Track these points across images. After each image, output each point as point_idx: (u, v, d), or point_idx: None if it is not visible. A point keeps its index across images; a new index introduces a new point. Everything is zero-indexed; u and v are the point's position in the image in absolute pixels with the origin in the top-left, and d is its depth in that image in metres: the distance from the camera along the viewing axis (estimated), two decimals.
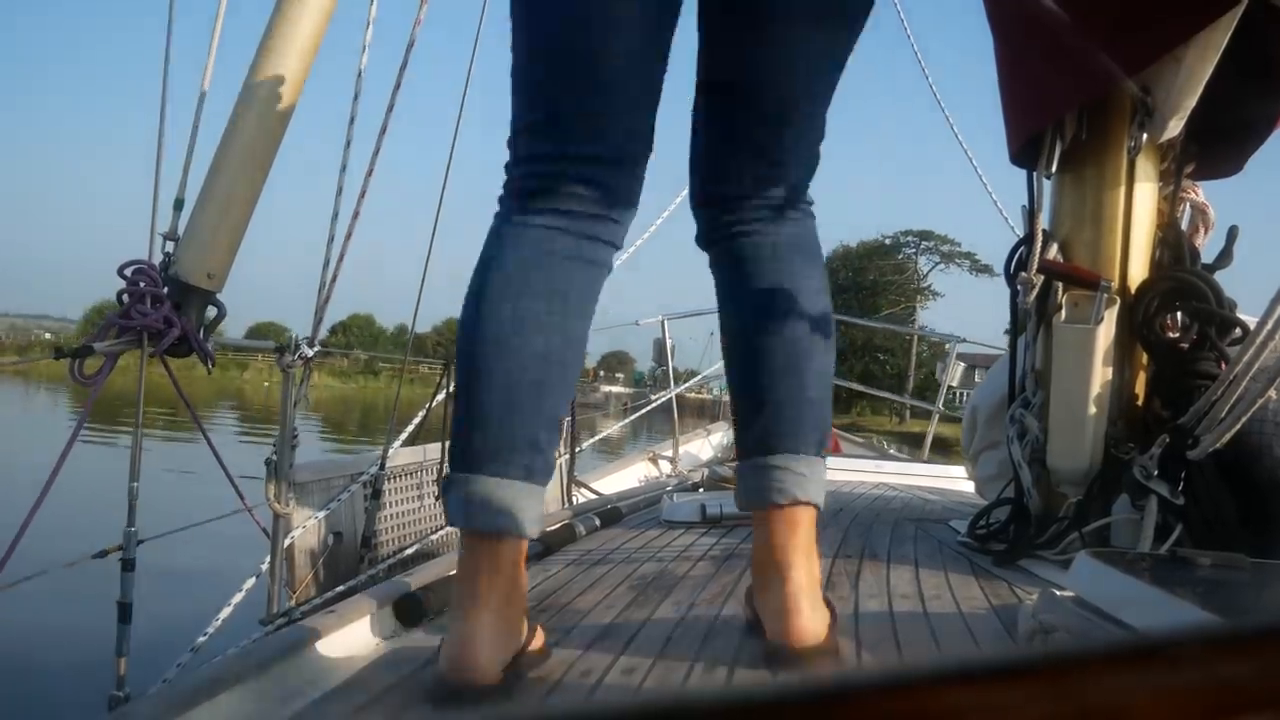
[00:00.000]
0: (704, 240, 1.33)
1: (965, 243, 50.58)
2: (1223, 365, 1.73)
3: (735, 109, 1.27)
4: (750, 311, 1.27)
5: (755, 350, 1.26)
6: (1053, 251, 1.96)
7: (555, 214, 1.17)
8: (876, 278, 49.77)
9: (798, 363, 1.24)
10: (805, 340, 1.24)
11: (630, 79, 1.18)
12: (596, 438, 4.29)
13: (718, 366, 7.54)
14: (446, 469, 1.21)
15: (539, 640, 1.21)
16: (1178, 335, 1.87)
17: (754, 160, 1.27)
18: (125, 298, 1.57)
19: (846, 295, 47.81)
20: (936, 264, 51.06)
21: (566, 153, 1.17)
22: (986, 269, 47.26)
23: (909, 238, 51.18)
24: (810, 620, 1.17)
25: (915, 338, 44.83)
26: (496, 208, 1.21)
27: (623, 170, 1.20)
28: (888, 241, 51.76)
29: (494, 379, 1.13)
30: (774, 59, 1.23)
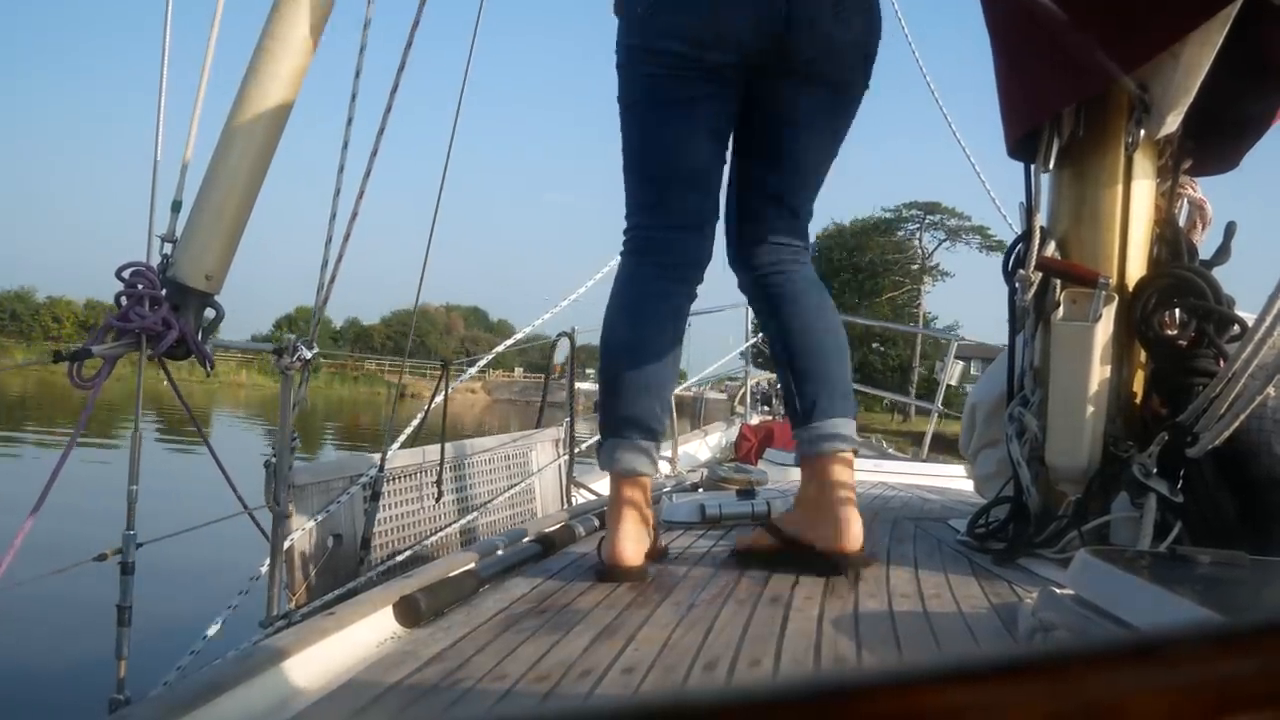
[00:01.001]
0: (750, 280, 1.88)
1: (976, 216, 44.16)
2: (1221, 362, 1.73)
3: (770, 182, 1.82)
4: (802, 323, 1.81)
5: (811, 348, 1.79)
6: (1050, 248, 1.96)
7: (655, 265, 1.79)
8: (875, 257, 44.41)
9: (839, 355, 1.81)
10: (837, 340, 1.82)
11: (698, 176, 1.78)
12: (596, 438, 4.27)
13: (714, 368, 7.53)
14: (598, 437, 1.85)
15: (661, 543, 1.89)
16: (1176, 332, 1.88)
17: (780, 215, 1.83)
18: (123, 300, 1.56)
19: (842, 277, 43.38)
20: (942, 241, 45.22)
21: (657, 223, 1.79)
22: (999, 246, 38.13)
23: (914, 211, 45.37)
24: (861, 531, 1.69)
25: (922, 317, 40.78)
26: (620, 261, 1.84)
27: (698, 233, 1.81)
28: (889, 215, 45.98)
29: (625, 378, 1.76)
30: (793, 148, 1.79)
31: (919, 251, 45.97)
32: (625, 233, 1.83)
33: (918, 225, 45.99)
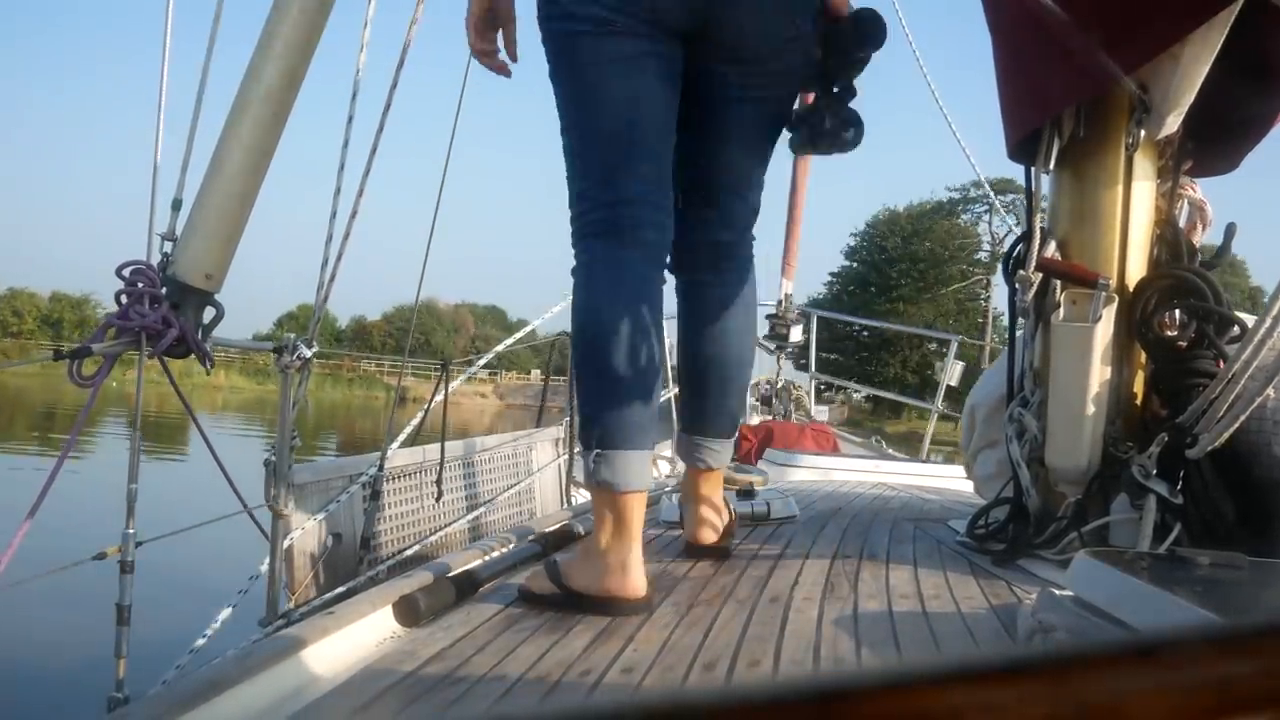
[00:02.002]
0: (678, 269, 1.84)
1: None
2: (1221, 364, 1.73)
3: (703, 186, 1.79)
4: (704, 346, 1.85)
5: (705, 369, 1.86)
6: (1051, 249, 1.96)
7: (631, 245, 1.60)
8: (933, 245, 40.82)
9: (732, 377, 1.89)
10: (734, 367, 1.88)
11: (652, 138, 1.62)
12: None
13: None
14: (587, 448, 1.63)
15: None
16: (1176, 333, 1.88)
17: (713, 209, 1.81)
18: (123, 298, 1.56)
19: (900, 267, 40.93)
20: (1015, 226, 40.47)
21: (617, 198, 1.60)
22: None
23: (981, 191, 38.64)
24: (710, 531, 1.90)
25: (989, 312, 36.90)
26: (578, 250, 1.64)
27: (659, 207, 1.64)
28: (955, 195, 41.58)
29: (627, 378, 1.58)
30: (720, 143, 1.76)
31: (988, 236, 41.54)
32: (578, 216, 1.64)
33: (986, 207, 40.33)
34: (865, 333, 39.04)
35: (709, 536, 1.90)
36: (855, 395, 32.72)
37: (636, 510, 1.54)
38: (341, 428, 19.92)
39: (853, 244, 44.82)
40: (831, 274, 45.44)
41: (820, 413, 6.76)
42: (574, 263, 1.64)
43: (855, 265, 44.21)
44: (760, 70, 1.70)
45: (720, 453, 1.91)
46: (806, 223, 5.51)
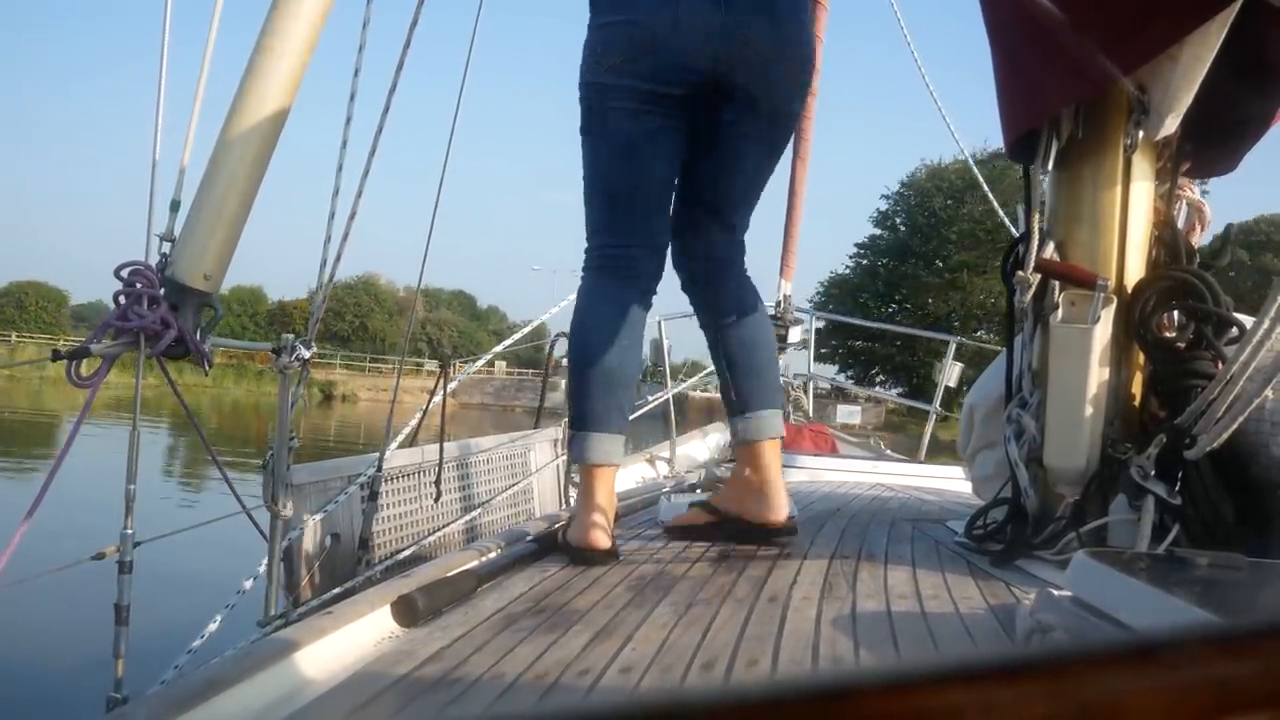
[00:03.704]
0: (690, 287, 2.14)
1: None
2: (1219, 365, 1.73)
3: (709, 198, 2.07)
4: (737, 329, 2.07)
5: (749, 349, 2.07)
6: (1049, 250, 1.96)
7: (617, 280, 2.00)
8: (972, 209, 34.57)
9: (771, 355, 2.12)
10: (768, 340, 2.11)
11: (653, 199, 1.99)
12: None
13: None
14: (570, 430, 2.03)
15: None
16: (1174, 334, 1.88)
17: (718, 229, 2.09)
18: (122, 299, 1.56)
19: (960, 227, 35.15)
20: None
21: (618, 243, 1.99)
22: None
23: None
24: (785, 504, 2.00)
25: None
26: (583, 276, 2.04)
27: (653, 250, 2.03)
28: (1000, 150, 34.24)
29: (596, 379, 1.95)
30: (727, 176, 2.03)
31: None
32: (587, 252, 2.03)
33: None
34: (905, 317, 33.88)
35: (781, 514, 1.99)
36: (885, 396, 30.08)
37: (600, 480, 1.92)
38: (242, 437, 15.62)
39: (885, 209, 38.78)
40: (858, 245, 39.27)
41: (851, 415, 6.62)
42: (580, 284, 2.04)
43: (887, 233, 38.41)
44: (770, 112, 1.95)
45: (774, 420, 2.05)
46: (807, 208, 5.43)
